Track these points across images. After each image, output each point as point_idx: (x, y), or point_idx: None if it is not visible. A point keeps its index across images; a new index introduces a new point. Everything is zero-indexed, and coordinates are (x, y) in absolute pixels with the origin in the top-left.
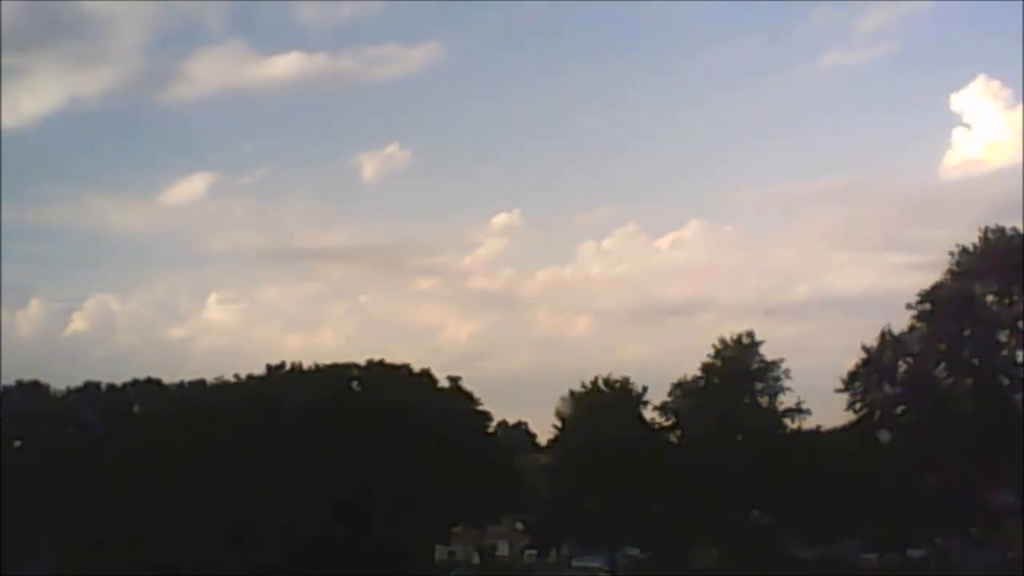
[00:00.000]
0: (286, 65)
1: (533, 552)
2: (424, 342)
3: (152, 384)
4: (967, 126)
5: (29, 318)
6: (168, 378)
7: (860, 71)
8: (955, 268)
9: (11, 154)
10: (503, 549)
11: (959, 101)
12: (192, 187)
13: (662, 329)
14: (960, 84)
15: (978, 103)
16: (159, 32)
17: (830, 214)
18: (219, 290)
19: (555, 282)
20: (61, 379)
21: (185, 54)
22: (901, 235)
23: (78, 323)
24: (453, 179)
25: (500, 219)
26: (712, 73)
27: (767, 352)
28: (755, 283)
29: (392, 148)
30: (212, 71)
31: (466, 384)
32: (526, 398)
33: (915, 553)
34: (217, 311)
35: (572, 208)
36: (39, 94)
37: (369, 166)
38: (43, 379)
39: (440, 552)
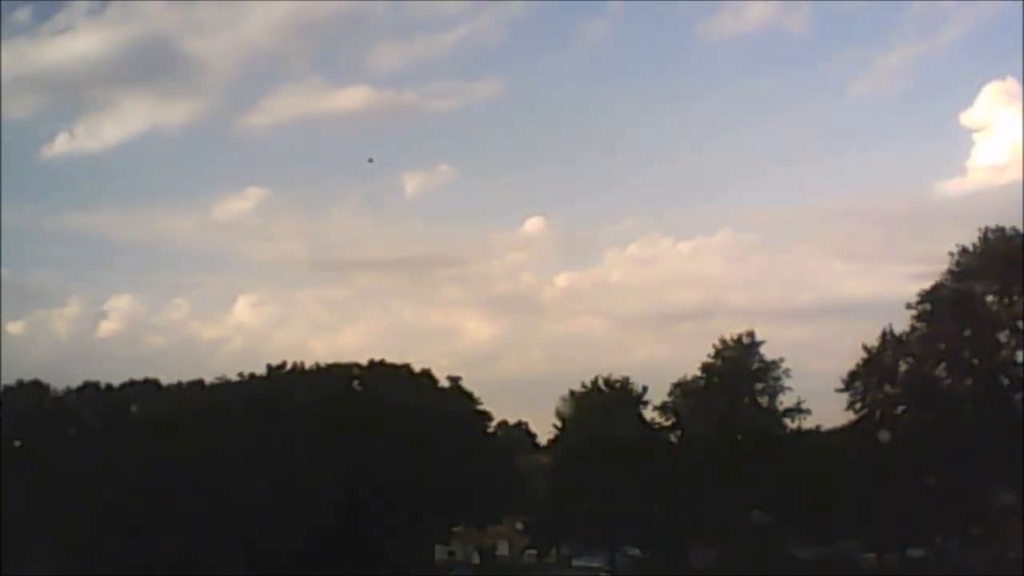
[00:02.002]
0: (354, 97)
1: (533, 552)
2: (443, 345)
3: (151, 384)
4: (983, 136)
5: (64, 317)
6: (169, 379)
7: (882, 100)
8: (955, 268)
9: (82, 174)
10: (503, 549)
11: (973, 122)
12: (242, 202)
13: (675, 333)
14: (975, 106)
15: (993, 115)
16: (245, 69)
17: (848, 229)
18: (253, 296)
19: (576, 288)
20: (96, 376)
21: (265, 89)
22: (920, 247)
23: (111, 324)
24: (489, 193)
25: (527, 228)
26: (749, 101)
27: (768, 352)
28: (775, 291)
29: (440, 169)
30: (287, 103)
31: (482, 385)
32: (539, 399)
33: (915, 553)
34: (248, 316)
35: (597, 219)
36: (121, 122)
37: (414, 184)
38: (88, 376)
39: (440, 552)
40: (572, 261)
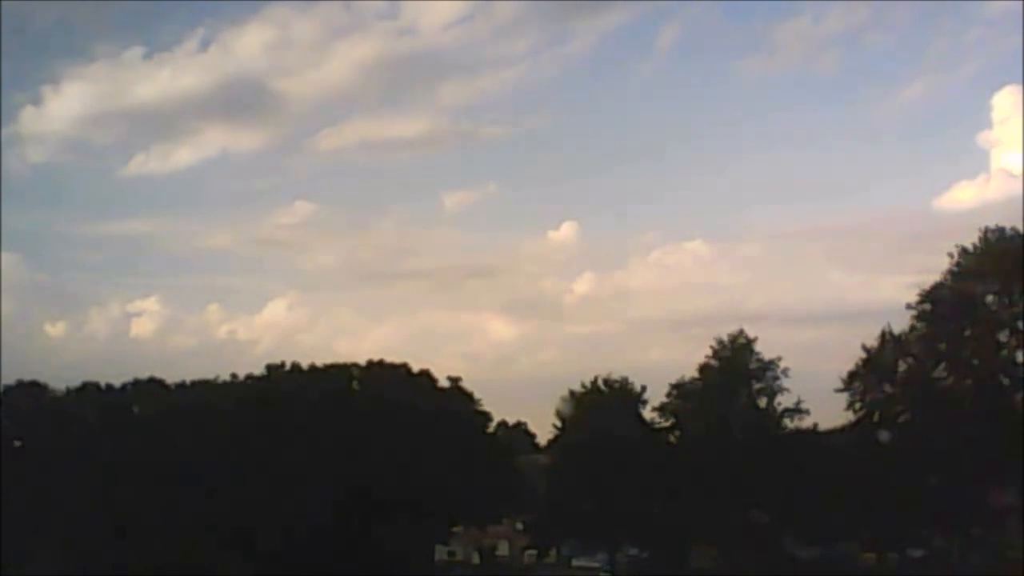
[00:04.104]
0: (414, 125)
1: (533, 552)
2: (466, 348)
3: (152, 384)
4: (995, 151)
5: (102, 318)
6: (172, 378)
7: (902, 124)
8: (955, 268)
9: (149, 192)
10: (503, 549)
11: (988, 141)
12: (288, 216)
13: (688, 337)
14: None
15: (1006, 128)
16: (320, 104)
17: (860, 242)
18: (286, 302)
19: (601, 293)
20: (121, 375)
21: (334, 119)
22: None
23: (148, 326)
24: (526, 208)
25: (560, 234)
26: (773, 129)
27: (767, 353)
28: (786, 297)
29: (484, 187)
30: (351, 131)
31: (504, 386)
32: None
33: (915, 553)
34: (281, 321)
35: (627, 228)
36: (196, 148)
37: (455, 200)
38: (102, 376)
39: (440, 552)
40: (599, 266)
